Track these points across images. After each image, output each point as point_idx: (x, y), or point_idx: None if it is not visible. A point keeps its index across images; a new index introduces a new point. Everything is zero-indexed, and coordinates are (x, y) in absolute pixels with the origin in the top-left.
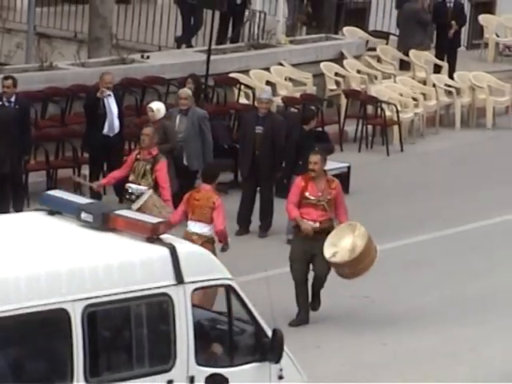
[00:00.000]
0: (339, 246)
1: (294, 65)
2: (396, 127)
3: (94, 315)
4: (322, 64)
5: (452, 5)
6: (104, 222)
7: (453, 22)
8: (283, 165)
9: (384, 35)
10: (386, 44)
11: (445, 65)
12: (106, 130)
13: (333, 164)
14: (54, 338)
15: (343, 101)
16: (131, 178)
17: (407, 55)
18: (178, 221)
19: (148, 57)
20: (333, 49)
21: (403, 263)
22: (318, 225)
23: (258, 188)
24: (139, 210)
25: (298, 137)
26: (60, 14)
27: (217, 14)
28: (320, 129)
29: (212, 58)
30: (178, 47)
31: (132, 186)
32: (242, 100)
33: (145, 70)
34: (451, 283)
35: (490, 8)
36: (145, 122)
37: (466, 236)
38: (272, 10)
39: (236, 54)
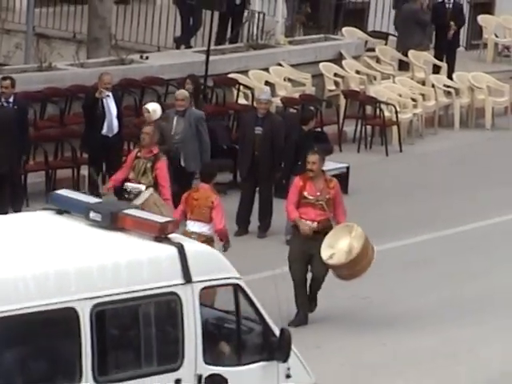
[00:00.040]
0: (336, 247)
1: (292, 65)
2: (395, 128)
3: (103, 314)
4: (320, 64)
5: (451, 5)
6: (112, 222)
7: (451, 23)
8: (282, 165)
9: (383, 36)
10: (385, 44)
11: (444, 65)
12: (104, 131)
13: (332, 164)
14: (63, 337)
15: (342, 101)
16: (131, 175)
17: (406, 56)
18: (178, 220)
19: (147, 57)
20: (332, 49)
21: (402, 264)
22: (316, 225)
23: (257, 188)
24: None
25: (297, 137)
26: (59, 15)
27: (216, 14)
28: (319, 129)
29: (211, 58)
30: (177, 48)
31: (129, 185)
32: (241, 100)
33: (144, 70)
34: (450, 284)
35: (489, 8)
36: (143, 123)
37: (465, 236)
38: (271, 10)
39: (235, 54)
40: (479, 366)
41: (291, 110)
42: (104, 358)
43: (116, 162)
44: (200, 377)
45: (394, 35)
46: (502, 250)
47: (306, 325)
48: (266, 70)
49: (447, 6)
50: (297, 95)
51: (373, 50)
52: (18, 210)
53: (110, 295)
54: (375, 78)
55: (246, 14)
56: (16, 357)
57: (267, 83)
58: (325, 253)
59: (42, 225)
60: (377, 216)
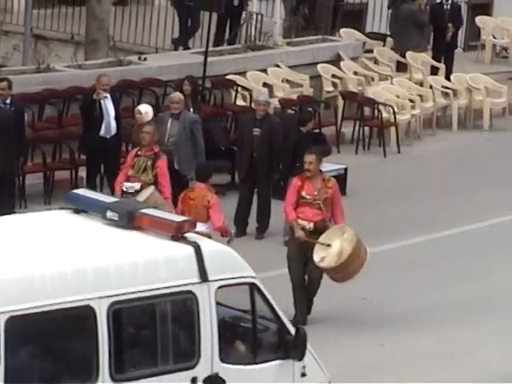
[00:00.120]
0: (328, 250)
1: (290, 66)
2: (393, 129)
3: (120, 312)
4: (318, 66)
5: (449, 6)
6: (129, 221)
7: (449, 25)
8: (280, 166)
9: (381, 37)
10: (383, 46)
11: (442, 66)
12: (102, 132)
13: (330, 166)
14: (80, 335)
15: (340, 102)
16: (130, 172)
17: (404, 57)
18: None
19: (145, 59)
20: (330, 50)
21: (400, 265)
22: (312, 225)
23: (256, 190)
24: None
25: (295, 138)
26: (57, 16)
27: (214, 15)
28: (317, 130)
29: (209, 59)
30: (175, 49)
31: (126, 185)
32: (239, 102)
33: (142, 71)
34: (448, 285)
35: (486, 10)
36: (134, 125)
37: (463, 237)
38: (269, 11)
39: (233, 55)
40: (477, 368)
41: (289, 112)
42: (121, 355)
43: (114, 164)
44: (217, 375)
45: (392, 36)
46: (500, 251)
47: (304, 326)
48: (264, 71)
49: (445, 6)
50: (295, 96)
51: (371, 51)
52: (8, 212)
53: (127, 294)
54: (373, 80)
55: (243, 15)
56: (33, 354)
57: (265, 84)
58: (317, 255)
59: (60, 224)
60: (375, 217)
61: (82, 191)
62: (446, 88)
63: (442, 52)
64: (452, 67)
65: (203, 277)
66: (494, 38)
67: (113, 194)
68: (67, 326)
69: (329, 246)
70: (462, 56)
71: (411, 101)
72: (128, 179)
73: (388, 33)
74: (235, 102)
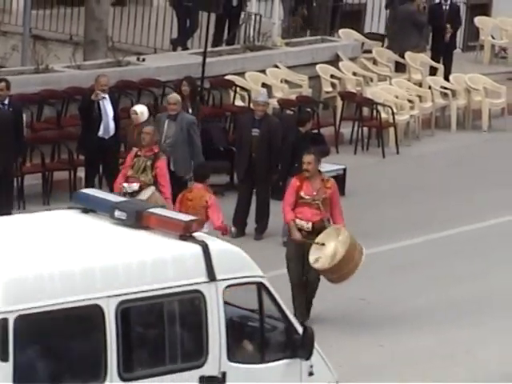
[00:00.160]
0: (323, 250)
1: (289, 67)
2: (392, 129)
3: (128, 311)
4: (317, 66)
5: (448, 7)
6: (137, 220)
7: (448, 26)
8: (279, 167)
9: (379, 37)
10: (382, 46)
11: (440, 67)
12: (101, 133)
13: (329, 166)
14: (88, 334)
15: (339, 103)
16: (130, 173)
17: (403, 57)
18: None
19: (144, 59)
20: (328, 51)
21: (399, 265)
22: (310, 225)
23: (254, 190)
24: None
25: (293, 139)
26: (56, 17)
27: (212, 16)
28: (316, 131)
29: (208, 60)
30: (174, 49)
31: (125, 185)
32: (238, 102)
33: (140, 72)
34: (447, 285)
35: (485, 10)
36: (130, 125)
37: (462, 238)
38: (268, 12)
39: (232, 56)
40: (477, 368)
41: (288, 112)
42: (129, 354)
43: (112, 164)
44: (224, 374)
45: (387, 36)
46: (499, 251)
47: None
48: (263, 71)
49: (444, 7)
50: (293, 97)
51: (369, 51)
52: (7, 212)
53: (135, 293)
54: (372, 80)
55: (242, 15)
56: (42, 353)
57: (264, 85)
58: (312, 256)
59: (68, 223)
60: (373, 217)
61: (91, 191)
62: (445, 88)
63: (440, 52)
64: (451, 68)
65: (211, 276)
66: (493, 38)
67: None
68: (76, 325)
69: (323, 245)
70: (460, 56)
71: (410, 101)
72: (127, 179)
73: (385, 33)
74: (234, 102)
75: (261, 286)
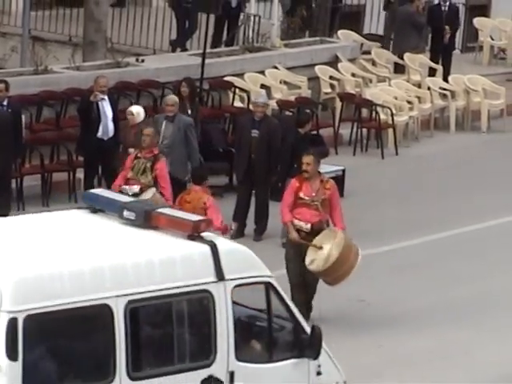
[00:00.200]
0: (318, 252)
1: (288, 68)
2: (391, 130)
3: (136, 311)
4: (316, 67)
5: (447, 8)
6: (146, 220)
7: (446, 27)
8: (278, 168)
9: (379, 38)
10: (381, 47)
11: (439, 68)
12: (100, 134)
13: (328, 167)
14: (97, 333)
15: (338, 104)
16: (130, 174)
17: (402, 58)
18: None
19: (143, 60)
20: (327, 52)
21: (398, 266)
22: (309, 226)
23: (254, 191)
24: None
25: (293, 140)
26: (55, 18)
27: (211, 17)
28: (315, 132)
29: (207, 61)
30: (173, 51)
31: (126, 187)
32: (237, 103)
33: (139, 73)
34: (446, 286)
35: (484, 11)
36: (126, 126)
37: (461, 239)
38: (267, 13)
39: (231, 57)
40: (476, 369)
41: (287, 113)
42: (137, 354)
43: (111, 165)
44: (232, 373)
45: (390, 38)
46: (497, 252)
47: None
48: (262, 72)
49: (443, 8)
50: (293, 98)
51: (368, 52)
52: (4, 214)
53: (144, 292)
54: (371, 81)
55: (241, 17)
56: (51, 352)
57: (263, 86)
58: (308, 258)
59: (77, 223)
60: (373, 218)
61: (100, 191)
62: (444, 89)
63: (439, 53)
64: (450, 69)
65: (219, 276)
66: (492, 39)
67: None
68: (85, 324)
69: (320, 248)
70: (459, 57)
71: (409, 102)
72: (127, 181)
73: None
74: (233, 103)
75: (269, 286)
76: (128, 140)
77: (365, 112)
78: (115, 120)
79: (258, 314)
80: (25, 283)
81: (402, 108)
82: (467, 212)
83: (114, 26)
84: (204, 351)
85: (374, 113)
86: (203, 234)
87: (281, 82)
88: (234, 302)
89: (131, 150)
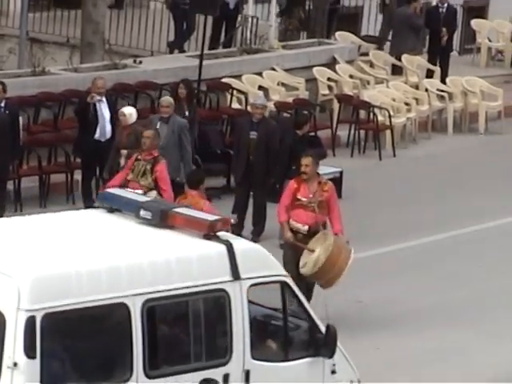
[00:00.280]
0: (310, 256)
1: (286, 70)
2: (388, 132)
3: (153, 310)
4: (314, 69)
5: (444, 10)
6: (162, 219)
7: (443, 30)
8: (276, 170)
9: (376, 40)
10: (378, 49)
11: (437, 69)
12: (97, 135)
13: (325, 169)
14: (114, 332)
15: (336, 105)
16: (130, 176)
17: (399, 60)
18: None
19: (140, 62)
20: (325, 54)
21: (397, 268)
22: (306, 228)
23: (252, 193)
24: None
25: (290, 142)
26: (52, 19)
27: (209, 18)
28: (312, 134)
29: (204, 62)
30: (171, 52)
31: (128, 190)
32: (235, 105)
33: (137, 75)
34: (444, 288)
35: (482, 13)
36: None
37: (460, 240)
38: (264, 15)
39: (228, 58)
40: (474, 370)
41: (285, 115)
42: (154, 352)
43: None
44: (248, 372)
45: (387, 40)
46: (496, 253)
47: None
48: (260, 74)
49: (441, 10)
50: (290, 100)
51: (366, 54)
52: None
53: (161, 291)
54: (369, 83)
55: (239, 18)
56: (68, 351)
57: (260, 88)
58: (301, 261)
59: (94, 223)
60: (370, 220)
61: (116, 190)
62: (442, 91)
63: (437, 55)
64: (447, 70)
65: (235, 275)
66: (490, 41)
67: None
68: (102, 323)
69: (313, 251)
70: (457, 59)
71: (407, 104)
72: (127, 183)
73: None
74: (231, 105)
75: (284, 285)
76: (120, 141)
77: (362, 114)
78: (113, 122)
79: (273, 313)
80: (43, 282)
81: (400, 110)
82: (465, 213)
83: (112, 27)
84: (220, 350)
85: (371, 114)
86: (219, 234)
87: (278, 84)
88: (249, 301)
89: (124, 152)
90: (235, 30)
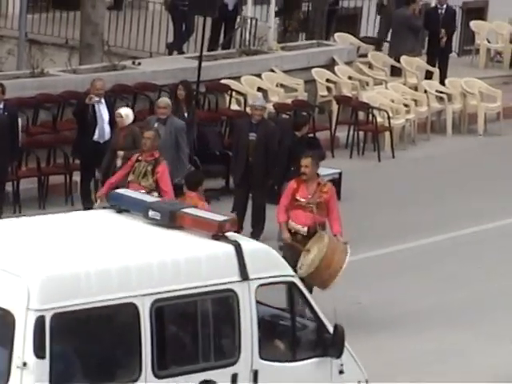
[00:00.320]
0: (306, 257)
1: (285, 71)
2: (387, 133)
3: (162, 310)
4: (313, 70)
5: (443, 11)
6: (171, 220)
7: (442, 31)
8: (275, 171)
9: (375, 41)
10: (377, 50)
11: (436, 71)
12: (96, 137)
13: (324, 170)
14: (123, 332)
15: (335, 107)
16: (131, 177)
17: (398, 61)
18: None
19: (139, 63)
20: (324, 55)
21: (396, 269)
22: (306, 229)
23: (251, 194)
24: None
25: (289, 143)
26: (51, 21)
27: (208, 20)
28: (311, 135)
29: (203, 64)
30: (170, 54)
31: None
32: (234, 106)
33: (136, 76)
34: (443, 289)
35: (481, 14)
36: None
37: (459, 242)
38: (263, 16)
39: (227, 60)
40: (473, 371)
41: (284, 116)
42: (163, 352)
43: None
44: (256, 372)
45: (386, 41)
46: (495, 255)
47: None
48: (259, 75)
49: (440, 11)
50: (289, 101)
51: (365, 55)
52: None
53: (170, 291)
54: (367, 84)
55: (238, 19)
56: (77, 351)
57: (259, 89)
58: (299, 262)
59: (103, 223)
60: (369, 221)
61: (125, 191)
62: (441, 92)
63: (436, 56)
64: (446, 72)
65: (244, 275)
66: (489, 42)
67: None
68: (111, 322)
69: (308, 251)
70: (456, 60)
71: (406, 105)
72: (128, 185)
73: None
74: (229, 106)
75: (292, 285)
76: (117, 143)
77: (361, 115)
78: (111, 123)
79: (281, 314)
80: (52, 282)
81: (399, 111)
82: (464, 215)
83: (111, 28)
84: (228, 350)
85: (370, 116)
86: (227, 234)
87: (277, 85)
88: (257, 302)
89: (120, 153)
90: (234, 31)
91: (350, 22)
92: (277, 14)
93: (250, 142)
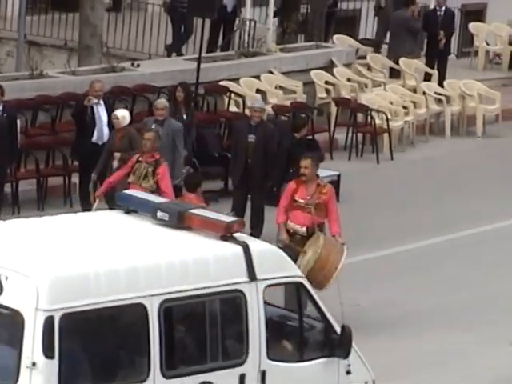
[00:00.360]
0: (303, 258)
1: (284, 73)
2: (386, 135)
3: (170, 310)
4: (312, 72)
5: (442, 13)
6: (179, 221)
7: (441, 33)
8: (274, 173)
9: (374, 43)
10: (375, 52)
11: (435, 73)
12: (94, 138)
13: (323, 172)
14: (132, 332)
15: (333, 109)
16: (131, 179)
17: (397, 63)
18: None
19: (138, 65)
20: (323, 57)
21: (395, 271)
22: (304, 230)
23: (249, 196)
24: None
25: (288, 145)
26: (50, 23)
27: (207, 22)
28: (310, 137)
29: (202, 66)
30: (169, 55)
31: None
32: (232, 108)
33: (135, 78)
34: (442, 291)
35: (480, 16)
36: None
37: (457, 244)
38: (262, 18)
39: (226, 62)
40: (473, 372)
41: (282, 118)
42: (171, 352)
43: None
44: (264, 372)
45: (385, 43)
46: (494, 257)
47: None
48: (258, 77)
49: (438, 13)
50: (288, 103)
51: (364, 57)
52: None
53: (178, 292)
54: (366, 86)
55: (237, 21)
56: (86, 351)
57: (258, 91)
58: (297, 263)
59: (112, 224)
60: (368, 223)
61: (133, 192)
62: (440, 94)
63: (435, 58)
64: (445, 73)
65: (252, 276)
66: (488, 44)
67: (106, 201)
68: (119, 323)
69: (305, 252)
70: (455, 62)
71: (404, 107)
72: (128, 186)
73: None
74: (228, 108)
75: (300, 286)
76: (113, 144)
77: (360, 117)
78: (110, 125)
79: (289, 314)
80: (61, 282)
81: (398, 113)
82: (463, 217)
83: (110, 30)
84: (236, 350)
85: (369, 118)
86: (236, 235)
87: (276, 87)
88: (265, 302)
89: (117, 155)
90: (233, 33)
91: (348, 23)
92: (275, 14)
93: (249, 143)
